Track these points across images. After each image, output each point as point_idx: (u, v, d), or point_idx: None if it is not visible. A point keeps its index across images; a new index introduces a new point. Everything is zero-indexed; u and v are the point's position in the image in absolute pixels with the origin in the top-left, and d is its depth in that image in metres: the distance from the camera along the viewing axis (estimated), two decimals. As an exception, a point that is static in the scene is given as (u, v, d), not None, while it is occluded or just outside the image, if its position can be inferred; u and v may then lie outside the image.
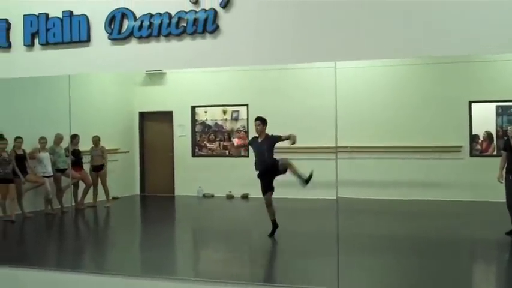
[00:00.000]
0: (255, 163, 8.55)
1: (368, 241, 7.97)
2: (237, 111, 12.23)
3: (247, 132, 11.81)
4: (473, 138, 10.60)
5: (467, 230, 8.65)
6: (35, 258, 7.54)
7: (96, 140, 11.15)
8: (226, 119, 12.40)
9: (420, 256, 7.24)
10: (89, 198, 10.94)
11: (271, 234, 8.36)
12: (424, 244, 7.85)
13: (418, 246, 7.78)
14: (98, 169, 11.17)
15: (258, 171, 8.52)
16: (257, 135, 8.65)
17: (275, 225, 8.40)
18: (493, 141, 10.55)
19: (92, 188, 11.00)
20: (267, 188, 8.46)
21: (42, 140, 10.01)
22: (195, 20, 5.94)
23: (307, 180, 8.43)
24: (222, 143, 12.39)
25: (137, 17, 6.17)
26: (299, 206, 9.22)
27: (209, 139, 12.46)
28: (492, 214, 9.11)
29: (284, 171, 8.48)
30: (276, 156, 8.58)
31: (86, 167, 10.98)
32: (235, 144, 11.97)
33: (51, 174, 10.09)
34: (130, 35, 6.22)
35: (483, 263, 7.53)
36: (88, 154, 11.04)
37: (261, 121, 8.65)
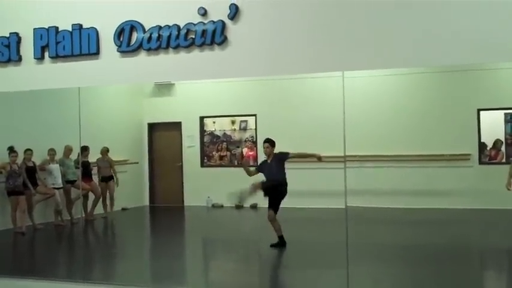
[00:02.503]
0: (266, 185, 8.61)
1: (378, 250, 7.95)
2: (245, 121, 12.26)
3: (255, 142, 11.83)
4: (481, 146, 10.57)
5: (478, 238, 8.62)
6: (46, 269, 7.58)
7: (104, 151, 11.23)
8: (234, 129, 12.43)
9: (430, 265, 7.21)
10: (99, 210, 10.97)
11: (276, 246, 8.37)
12: (434, 253, 7.81)
13: (428, 255, 7.75)
14: (107, 180, 11.24)
15: (266, 187, 8.58)
16: (266, 158, 8.75)
17: (282, 242, 8.40)
18: (501, 148, 10.52)
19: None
20: (273, 205, 8.48)
21: (51, 152, 10.05)
22: (204, 31, 6.00)
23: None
24: (219, 152, 12.42)
25: (146, 30, 6.23)
26: (308, 215, 9.23)
27: (217, 149, 12.49)
28: (502, 222, 9.08)
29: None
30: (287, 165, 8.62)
31: (95, 178, 11.03)
32: (245, 155, 12.01)
33: (61, 185, 10.14)
34: (139, 47, 6.28)
35: (494, 271, 7.50)
36: (95, 165, 11.11)
37: (269, 143, 8.69)
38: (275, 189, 8.50)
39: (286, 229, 8.56)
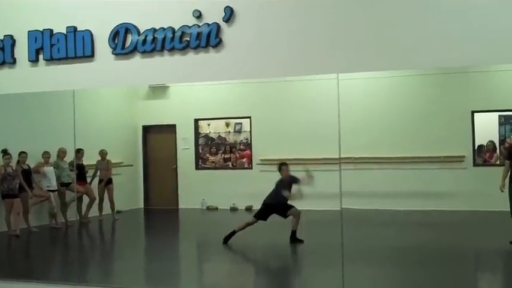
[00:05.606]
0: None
1: (373, 252, 7.96)
2: (240, 123, 12.26)
3: (250, 145, 11.84)
4: (479, 148, 10.57)
5: (472, 240, 8.64)
6: (40, 271, 7.56)
7: (103, 154, 11.23)
8: (229, 132, 12.44)
9: (426, 267, 7.22)
10: (94, 212, 10.95)
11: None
12: (430, 254, 7.83)
13: (423, 256, 7.77)
14: (107, 183, 11.23)
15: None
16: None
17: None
18: (496, 150, 10.54)
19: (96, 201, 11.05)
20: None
21: (46, 155, 10.02)
22: (198, 34, 6.00)
23: None
24: (223, 155, 12.42)
25: (141, 32, 6.23)
26: (303, 217, 9.22)
27: (211, 152, 12.49)
28: (496, 223, 9.09)
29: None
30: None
31: (94, 181, 11.02)
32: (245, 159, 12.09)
33: (56, 188, 10.11)
34: (134, 49, 6.28)
35: (489, 273, 7.52)
36: (92, 168, 11.09)
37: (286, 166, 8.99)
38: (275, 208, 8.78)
39: (282, 231, 8.58)
